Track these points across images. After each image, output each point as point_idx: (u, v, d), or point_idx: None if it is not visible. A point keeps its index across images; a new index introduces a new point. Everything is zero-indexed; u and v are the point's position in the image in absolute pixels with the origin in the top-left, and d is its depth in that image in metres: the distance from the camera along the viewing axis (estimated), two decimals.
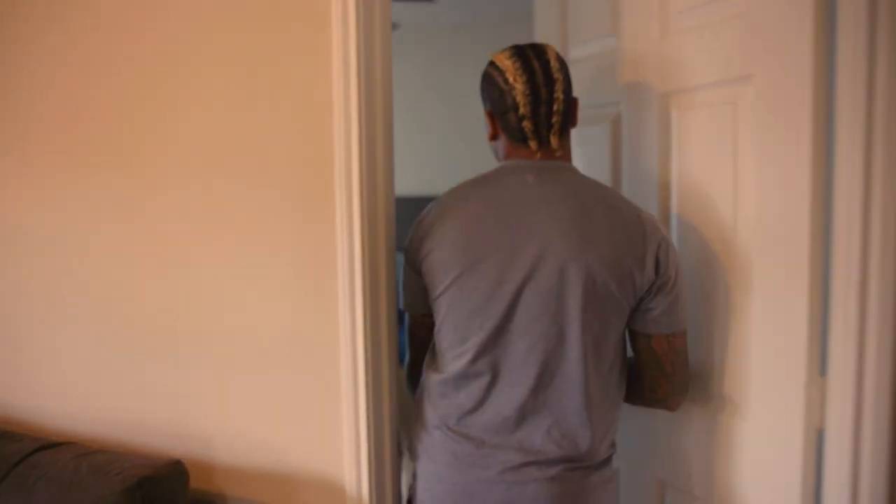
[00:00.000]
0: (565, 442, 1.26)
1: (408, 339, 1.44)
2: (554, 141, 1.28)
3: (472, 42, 4.47)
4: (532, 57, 1.28)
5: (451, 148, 4.57)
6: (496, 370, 1.27)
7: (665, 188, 1.47)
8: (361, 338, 1.44)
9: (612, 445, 1.35)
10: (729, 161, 1.32)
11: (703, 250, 1.39)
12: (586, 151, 1.70)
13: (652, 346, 1.28)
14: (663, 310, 1.26)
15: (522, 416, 1.27)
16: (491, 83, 1.31)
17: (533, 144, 1.28)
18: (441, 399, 1.33)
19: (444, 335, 1.31)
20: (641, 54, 1.51)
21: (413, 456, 1.39)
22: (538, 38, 1.81)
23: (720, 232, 1.35)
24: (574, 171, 1.31)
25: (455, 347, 1.29)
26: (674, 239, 1.44)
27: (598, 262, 1.22)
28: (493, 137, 1.36)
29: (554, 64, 1.28)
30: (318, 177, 1.46)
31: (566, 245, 1.23)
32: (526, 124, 1.27)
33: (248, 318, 1.55)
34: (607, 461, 1.33)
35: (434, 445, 1.33)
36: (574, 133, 1.42)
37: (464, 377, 1.29)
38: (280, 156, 1.48)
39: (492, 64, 1.32)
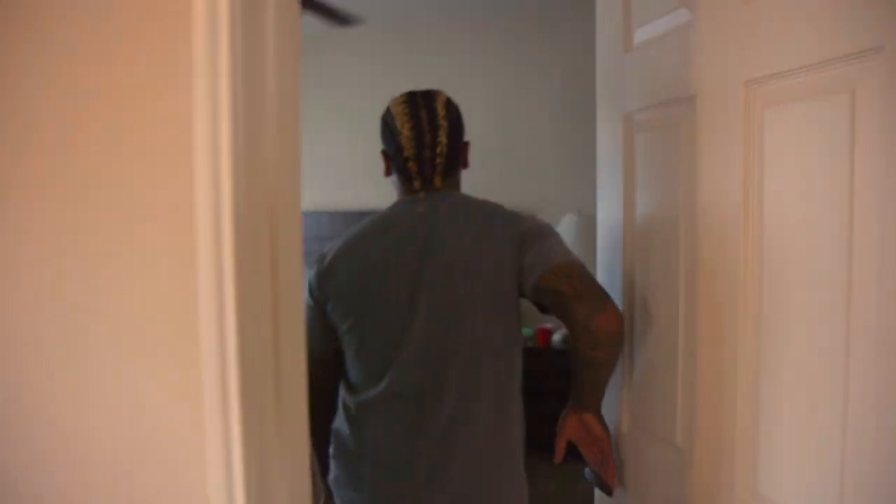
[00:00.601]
0: None
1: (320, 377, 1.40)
2: (437, 181, 1.40)
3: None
4: (420, 105, 1.40)
5: None
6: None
7: (750, 214, 1.05)
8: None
9: None
10: (841, 174, 0.89)
11: (805, 305, 0.96)
12: (653, 165, 1.30)
13: (543, 286, 1.28)
14: (534, 257, 1.30)
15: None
16: (385, 126, 1.44)
17: (416, 184, 1.40)
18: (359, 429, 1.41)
19: (357, 367, 1.39)
20: (721, 30, 1.09)
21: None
22: (598, 20, 1.46)
23: (831, 278, 0.92)
24: (458, 196, 1.43)
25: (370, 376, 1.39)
26: (766, 287, 1.03)
27: (468, 261, 1.33)
28: (388, 174, 1.47)
29: (440, 111, 1.39)
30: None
31: (446, 254, 1.34)
32: (411, 165, 1.39)
33: None
34: None
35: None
36: (639, 143, 1.32)
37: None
38: None
39: (387, 109, 1.44)
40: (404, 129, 1.39)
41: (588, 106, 3.52)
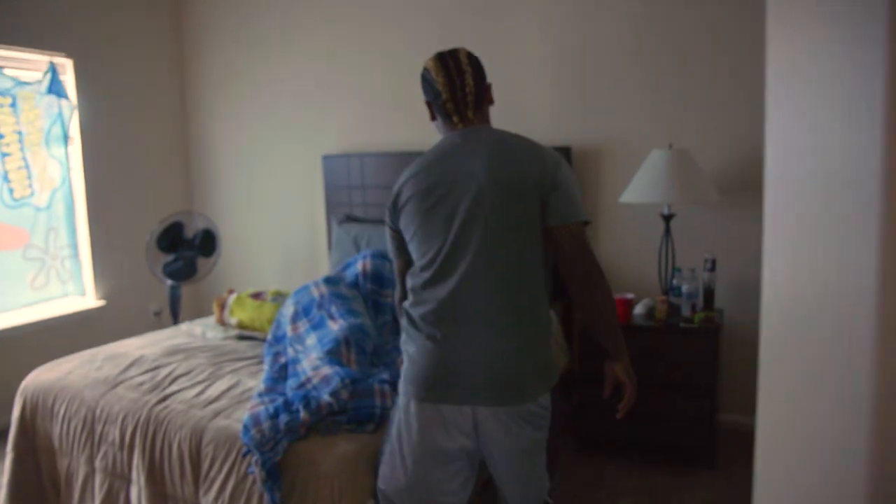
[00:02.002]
0: None
1: (399, 283, 1.92)
2: (470, 114, 1.83)
3: None
4: (448, 58, 1.83)
5: None
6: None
7: None
8: None
9: None
10: None
11: None
12: None
13: (556, 233, 1.73)
14: (562, 204, 1.72)
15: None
16: (424, 81, 1.86)
17: (455, 119, 1.83)
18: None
19: (427, 261, 1.79)
20: None
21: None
22: None
23: None
24: (489, 128, 1.83)
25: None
26: None
27: (508, 177, 1.72)
28: (433, 119, 1.90)
29: (463, 60, 1.82)
30: None
31: (485, 172, 1.72)
32: (448, 105, 1.82)
33: None
34: None
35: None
36: None
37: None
38: None
39: (424, 68, 1.86)
40: (439, 78, 1.80)
41: (676, 36, 3.21)
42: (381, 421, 2.17)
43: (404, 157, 3.88)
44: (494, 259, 1.71)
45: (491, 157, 1.74)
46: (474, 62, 1.84)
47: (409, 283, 1.83)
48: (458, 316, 1.72)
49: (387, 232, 1.92)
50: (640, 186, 3.14)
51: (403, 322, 1.85)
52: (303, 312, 2.73)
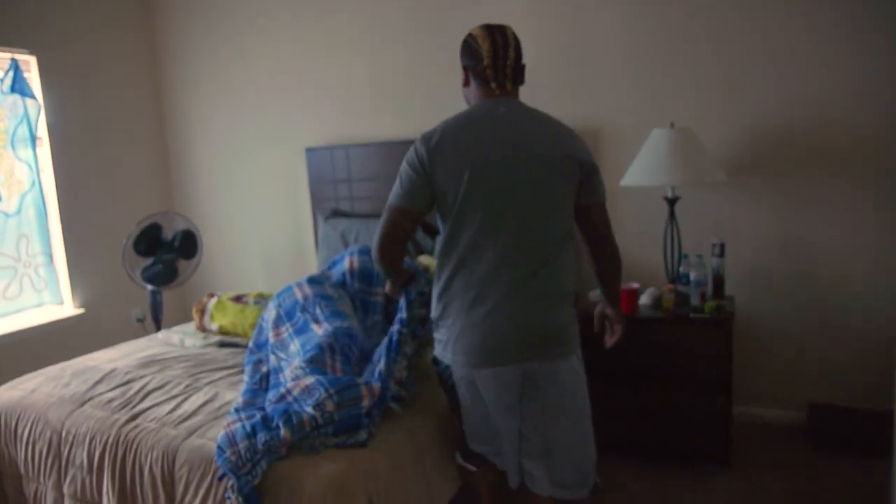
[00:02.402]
0: None
1: (388, 231, 1.91)
2: (508, 85, 1.93)
3: None
4: (495, 30, 1.92)
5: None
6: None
7: None
8: None
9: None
10: None
11: None
12: None
13: (589, 211, 1.94)
14: (593, 185, 1.90)
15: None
16: (468, 46, 1.94)
17: (494, 85, 1.91)
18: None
19: (466, 226, 1.88)
20: None
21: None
22: None
23: None
24: (524, 104, 1.93)
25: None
26: None
27: (556, 153, 1.85)
28: (466, 84, 1.99)
29: (510, 35, 1.92)
30: None
31: (532, 145, 1.84)
32: (489, 72, 1.90)
33: None
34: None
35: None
36: None
37: None
38: None
39: (469, 34, 1.95)
40: (484, 45, 1.90)
41: (671, 9, 3.15)
42: (373, 427, 2.05)
43: (392, 147, 3.79)
44: (537, 230, 1.86)
45: (540, 133, 1.87)
46: (517, 41, 1.95)
47: (445, 249, 1.92)
48: (505, 284, 1.85)
49: (404, 174, 1.90)
50: (642, 169, 3.00)
51: (435, 291, 1.97)
52: (286, 316, 2.62)
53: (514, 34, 1.95)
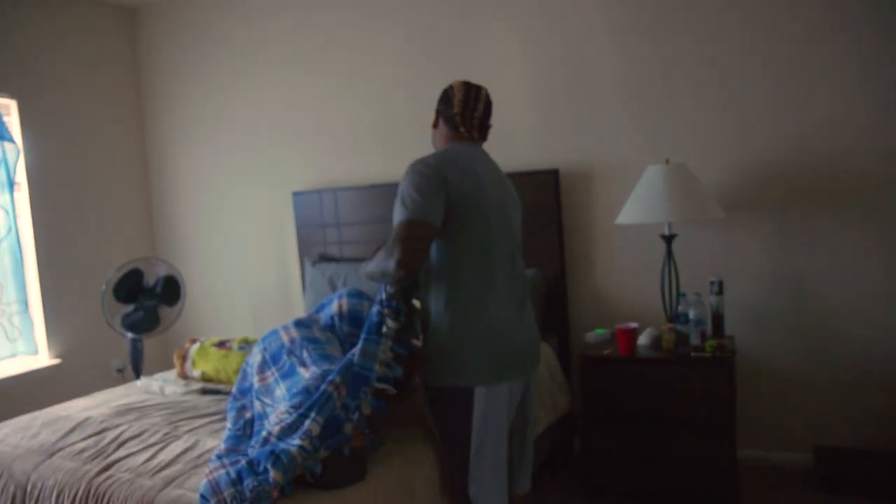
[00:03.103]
0: None
1: (411, 244, 1.91)
2: (475, 134, 2.19)
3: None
4: (472, 87, 2.20)
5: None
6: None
7: None
8: None
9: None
10: None
11: None
12: None
13: None
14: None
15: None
16: (445, 93, 2.22)
17: (462, 130, 2.17)
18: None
19: (471, 252, 2.02)
20: None
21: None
22: None
23: None
24: (485, 152, 2.21)
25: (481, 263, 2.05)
26: None
27: (514, 195, 2.22)
28: (434, 126, 2.26)
29: (483, 95, 2.21)
30: None
31: (506, 188, 2.17)
32: (458, 119, 2.17)
33: None
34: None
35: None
36: None
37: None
38: None
39: (450, 86, 2.23)
40: (458, 95, 2.18)
41: (664, 46, 3.22)
42: (353, 416, 2.01)
43: (382, 191, 3.76)
44: (516, 257, 2.12)
45: (502, 176, 2.18)
46: (489, 102, 2.23)
47: (454, 258, 2.01)
48: (514, 296, 2.07)
49: (418, 186, 1.96)
50: (637, 206, 2.95)
51: (449, 308, 2.02)
52: (271, 360, 2.54)
53: (487, 96, 2.22)
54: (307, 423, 1.98)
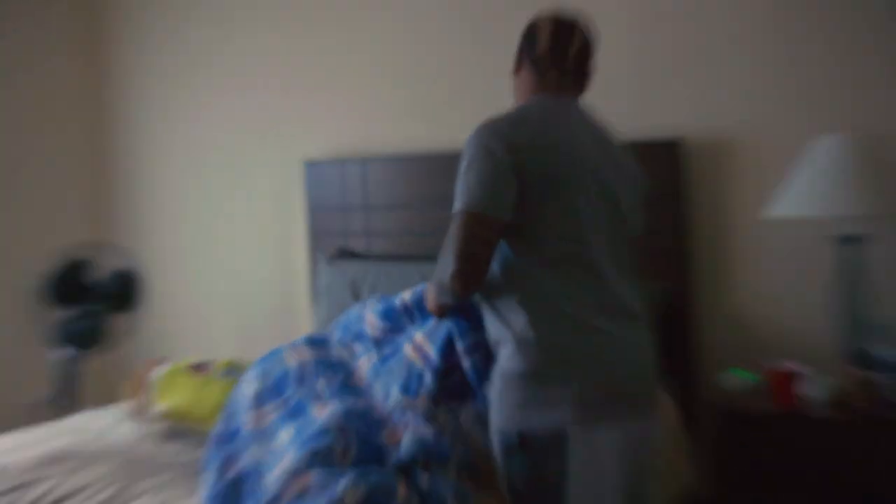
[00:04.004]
0: None
1: (468, 247, 1.98)
2: (567, 81, 2.19)
3: None
4: (562, 19, 2.21)
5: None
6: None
7: None
8: None
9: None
10: None
11: None
12: None
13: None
14: (640, 214, 2.31)
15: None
16: (527, 29, 2.26)
17: (552, 77, 2.17)
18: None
19: (554, 251, 2.05)
20: None
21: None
22: None
23: None
24: (584, 108, 2.22)
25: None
26: None
27: (623, 170, 2.22)
28: (516, 72, 2.29)
29: (580, 29, 2.21)
30: None
31: (618, 167, 2.19)
32: (546, 62, 2.17)
33: None
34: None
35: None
36: None
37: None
38: None
39: (533, 21, 2.25)
40: (545, 30, 2.19)
41: None
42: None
43: (428, 163, 3.81)
44: (623, 256, 2.16)
45: (609, 142, 2.19)
46: (587, 39, 2.24)
47: (529, 277, 2.05)
48: (613, 318, 2.05)
49: (478, 165, 2.01)
50: (801, 194, 2.91)
51: (520, 320, 2.03)
52: (273, 391, 2.62)
53: (586, 31, 2.24)
54: (343, 488, 2.03)
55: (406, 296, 2.78)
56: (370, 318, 2.84)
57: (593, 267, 2.08)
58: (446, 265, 2.01)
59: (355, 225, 3.98)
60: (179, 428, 3.05)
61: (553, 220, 2.06)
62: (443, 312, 2.26)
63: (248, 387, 2.68)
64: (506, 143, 2.01)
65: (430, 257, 3.33)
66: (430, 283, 2.16)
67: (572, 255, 2.06)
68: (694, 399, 3.33)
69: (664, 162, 3.29)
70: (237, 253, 4.47)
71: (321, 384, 2.56)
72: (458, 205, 2.00)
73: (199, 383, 3.16)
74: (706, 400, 3.26)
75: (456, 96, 3.79)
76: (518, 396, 2.01)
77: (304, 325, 4.18)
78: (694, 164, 3.36)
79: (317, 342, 2.82)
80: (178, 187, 4.61)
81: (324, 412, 2.40)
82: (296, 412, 2.47)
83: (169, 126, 4.58)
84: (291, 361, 2.69)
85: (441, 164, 3.35)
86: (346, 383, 2.60)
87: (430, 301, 2.21)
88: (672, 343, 3.24)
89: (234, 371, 3.19)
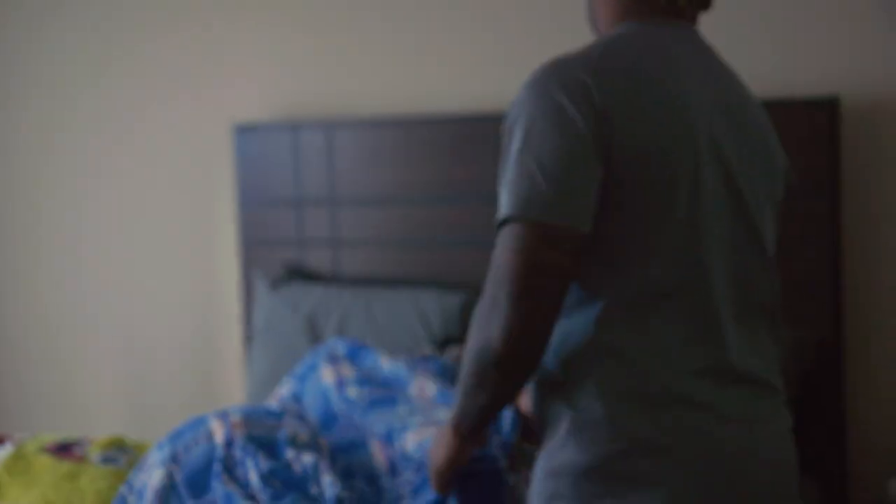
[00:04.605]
0: None
1: (538, 281, 1.66)
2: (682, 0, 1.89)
3: None
4: None
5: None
6: None
7: None
8: None
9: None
10: None
11: None
12: None
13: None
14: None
15: None
16: None
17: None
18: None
19: (657, 277, 1.72)
20: None
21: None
22: None
23: None
24: (705, 41, 1.92)
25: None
26: None
27: (760, 144, 1.91)
28: None
29: None
30: None
31: (759, 141, 1.89)
32: None
33: None
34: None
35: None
36: None
37: None
38: None
39: None
40: None
41: None
42: None
43: (429, 129, 3.63)
44: (747, 284, 1.84)
45: (745, 98, 1.89)
46: None
47: (605, 310, 1.71)
48: (724, 380, 1.79)
49: (558, 136, 1.65)
50: None
51: (584, 390, 1.74)
52: (186, 486, 2.53)
53: None
54: None
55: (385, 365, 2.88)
56: (339, 370, 2.86)
57: (709, 307, 1.78)
58: (490, 313, 1.65)
59: (315, 228, 3.78)
60: None
61: (653, 232, 1.73)
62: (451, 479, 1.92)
63: (153, 476, 2.51)
64: (588, 100, 1.64)
65: (432, 282, 3.30)
66: (470, 348, 1.73)
67: (677, 289, 1.74)
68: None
69: (810, 130, 3.16)
70: (125, 272, 4.24)
71: (252, 474, 2.44)
72: (506, 209, 1.63)
73: (64, 473, 2.85)
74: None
75: (478, 29, 3.65)
76: None
77: (232, 384, 4.06)
78: (850, 128, 3.22)
79: (256, 415, 2.67)
80: (28, 167, 4.41)
81: None
82: None
83: (23, 79, 4.41)
84: (217, 437, 2.56)
85: (454, 133, 3.33)
86: (292, 477, 2.50)
87: (446, 439, 1.83)
88: (813, 422, 3.13)
89: (119, 456, 2.92)
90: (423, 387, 2.92)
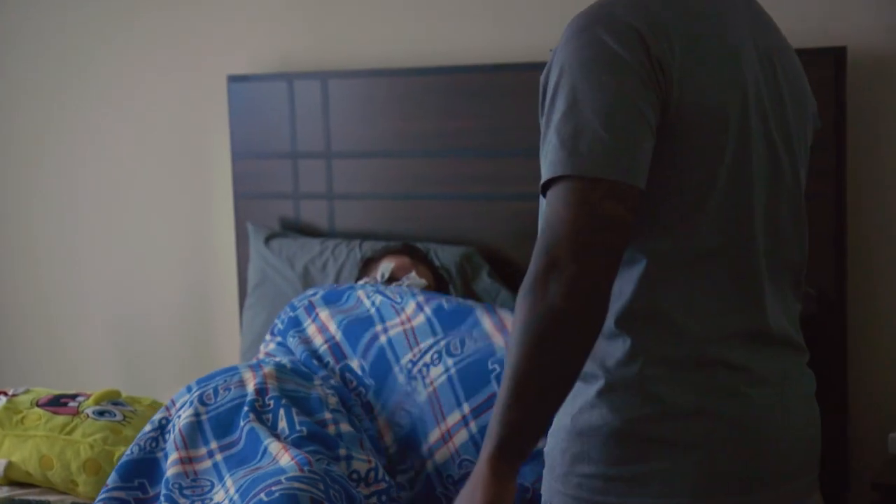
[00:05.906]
0: None
1: (599, 237, 1.64)
2: None
3: None
4: None
5: None
6: None
7: None
8: None
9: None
10: None
11: None
12: None
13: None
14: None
15: None
16: None
17: None
18: None
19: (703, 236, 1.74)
20: None
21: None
22: None
23: None
24: None
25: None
26: None
27: (797, 88, 1.94)
28: None
29: None
30: None
31: (795, 83, 1.94)
32: None
33: None
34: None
35: None
36: None
37: None
38: None
39: None
40: None
41: None
42: None
43: (436, 79, 3.65)
44: (786, 240, 1.88)
45: (781, 40, 1.93)
46: None
47: (645, 269, 1.73)
48: (760, 341, 1.83)
49: (613, 90, 1.64)
50: None
51: (617, 349, 1.76)
52: (212, 425, 2.67)
53: None
54: None
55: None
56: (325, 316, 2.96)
57: (752, 267, 1.78)
58: (545, 279, 1.58)
59: (310, 182, 3.83)
60: (31, 498, 2.94)
61: (702, 188, 1.72)
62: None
63: (185, 415, 2.65)
64: (643, 47, 1.61)
65: (428, 236, 3.36)
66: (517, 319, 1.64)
67: (723, 247, 1.75)
68: (848, 463, 3.29)
69: (817, 82, 3.04)
70: (118, 227, 4.31)
71: (282, 416, 2.57)
72: (558, 166, 1.56)
73: (59, 425, 2.97)
74: (867, 467, 3.16)
75: None
76: (601, 467, 1.73)
77: (227, 337, 4.09)
78: (856, 80, 3.21)
79: (284, 369, 2.79)
80: (29, 125, 4.42)
81: (286, 457, 2.41)
82: (245, 457, 2.50)
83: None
84: (249, 384, 2.67)
85: (450, 84, 3.37)
86: (314, 419, 2.60)
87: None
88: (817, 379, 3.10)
89: (115, 407, 3.08)
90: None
